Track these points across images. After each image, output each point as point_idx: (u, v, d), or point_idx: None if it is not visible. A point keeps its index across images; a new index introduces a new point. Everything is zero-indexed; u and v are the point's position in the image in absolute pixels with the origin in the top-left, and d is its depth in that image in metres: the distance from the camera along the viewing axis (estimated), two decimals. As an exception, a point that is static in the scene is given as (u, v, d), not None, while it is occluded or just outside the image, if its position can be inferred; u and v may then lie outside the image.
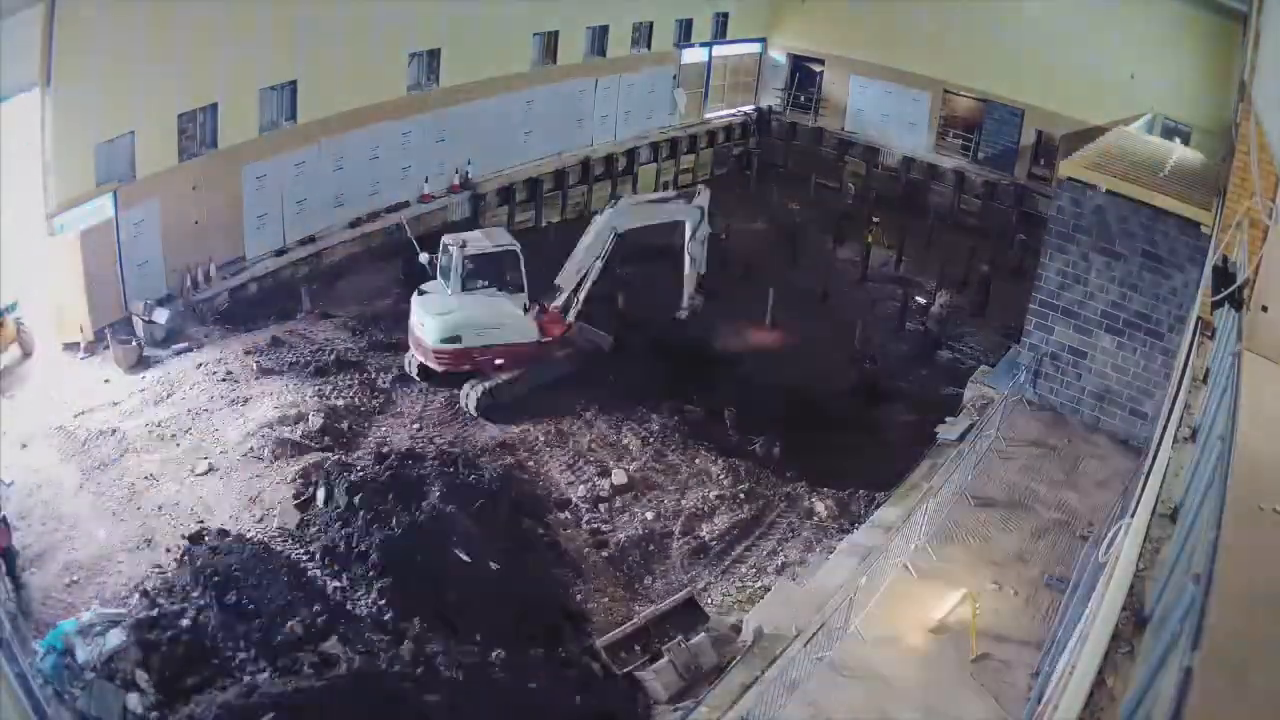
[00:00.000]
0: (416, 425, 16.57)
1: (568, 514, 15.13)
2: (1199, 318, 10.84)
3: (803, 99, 32.32)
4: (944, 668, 11.26)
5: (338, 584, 12.32)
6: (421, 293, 17.25)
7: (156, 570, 12.37)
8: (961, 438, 15.94)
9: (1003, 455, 15.38)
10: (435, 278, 17.43)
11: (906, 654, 11.45)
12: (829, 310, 22.86)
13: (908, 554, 12.88)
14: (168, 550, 12.76)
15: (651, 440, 16.89)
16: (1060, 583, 12.14)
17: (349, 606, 12.01)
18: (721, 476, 16.13)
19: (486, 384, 16.87)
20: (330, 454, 14.80)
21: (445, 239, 17.33)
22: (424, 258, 17.65)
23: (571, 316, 17.86)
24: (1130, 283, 15.56)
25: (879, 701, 10.76)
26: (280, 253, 20.78)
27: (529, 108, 26.12)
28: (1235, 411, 5.57)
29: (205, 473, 14.36)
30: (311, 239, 21.44)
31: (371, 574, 12.21)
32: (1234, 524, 4.35)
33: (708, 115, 31.99)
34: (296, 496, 13.70)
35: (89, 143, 16.38)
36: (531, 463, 16.06)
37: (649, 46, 29.46)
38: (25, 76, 14.79)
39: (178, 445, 14.91)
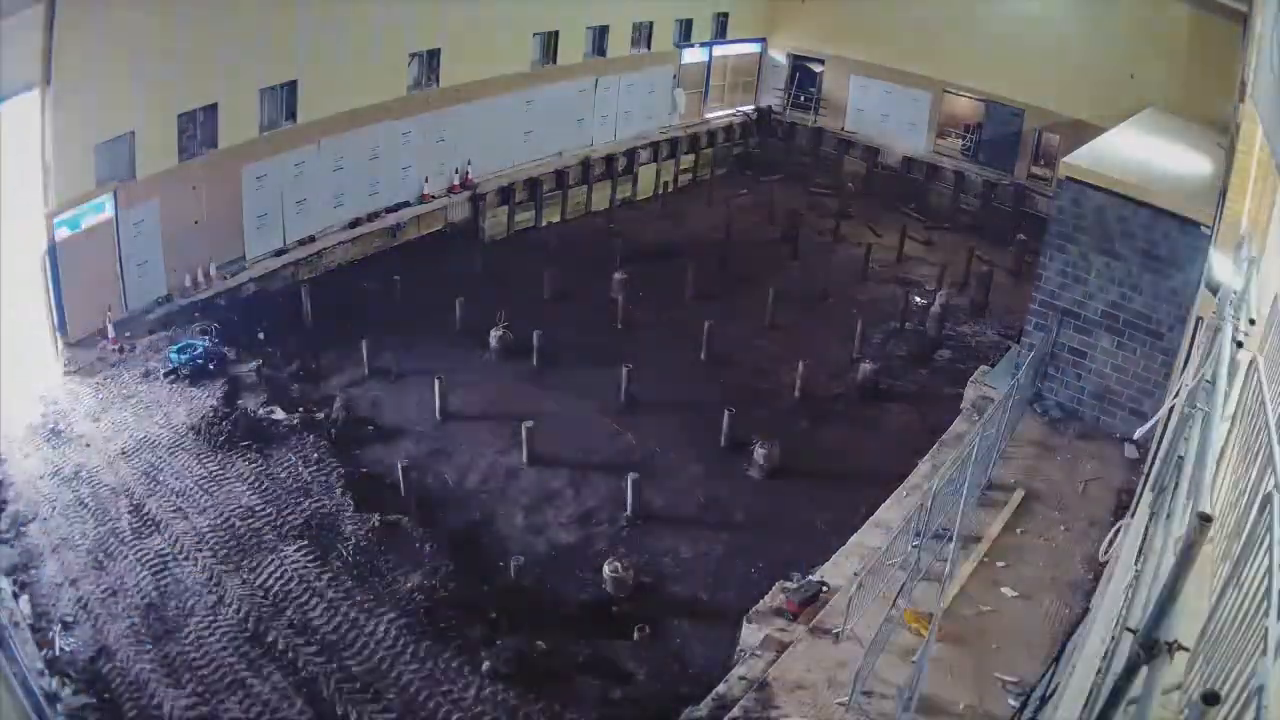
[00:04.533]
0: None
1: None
2: (1199, 318, 10.85)
3: (803, 99, 32.33)
4: (943, 668, 11.26)
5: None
6: None
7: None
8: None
9: (1003, 455, 15.37)
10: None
11: (905, 654, 11.44)
12: (829, 310, 22.86)
13: (907, 554, 12.87)
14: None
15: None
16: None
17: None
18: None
19: None
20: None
21: None
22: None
23: None
24: (1130, 283, 15.53)
25: (877, 701, 10.76)
26: (280, 253, 20.81)
27: (529, 108, 26.12)
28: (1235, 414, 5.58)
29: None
30: (311, 239, 21.47)
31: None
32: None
33: (708, 115, 31.99)
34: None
35: (89, 143, 16.39)
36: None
37: (649, 46, 29.48)
38: (25, 76, 14.80)
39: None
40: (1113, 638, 5.89)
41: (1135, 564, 6.70)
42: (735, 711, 10.63)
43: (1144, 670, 3.69)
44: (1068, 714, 6.13)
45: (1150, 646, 3.55)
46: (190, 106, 18.25)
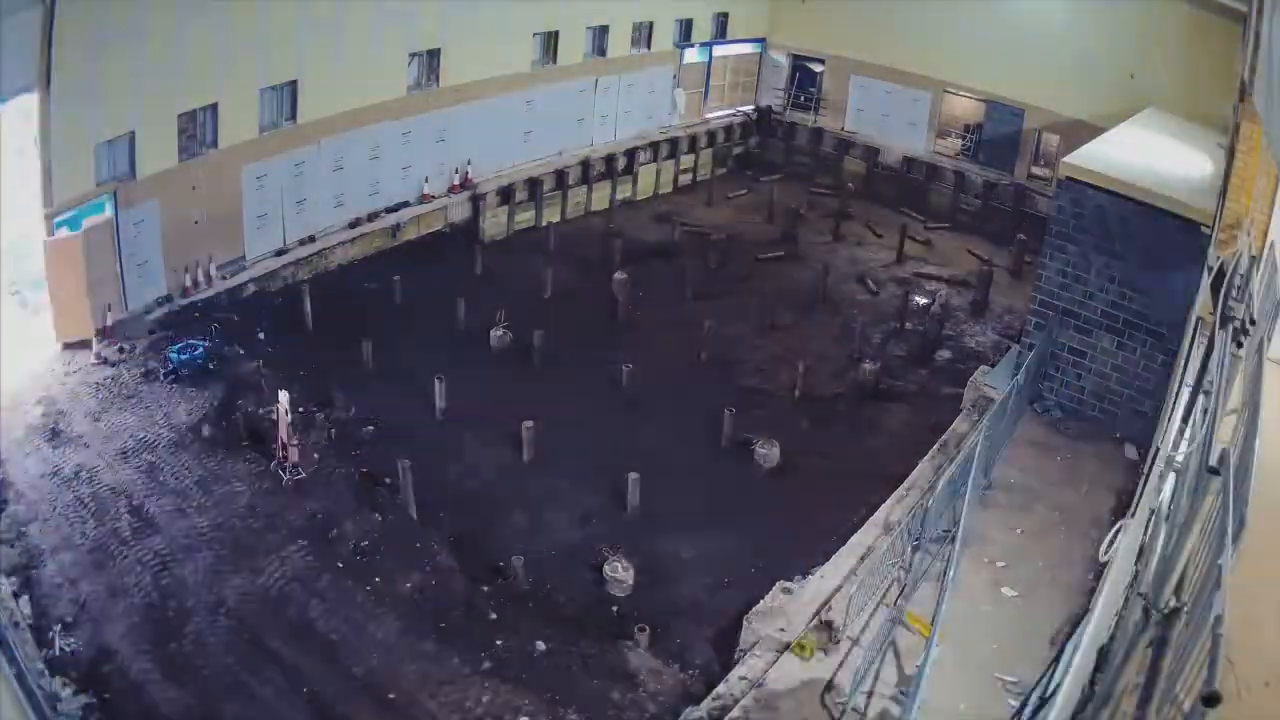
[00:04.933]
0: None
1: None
2: (1199, 318, 10.86)
3: (803, 99, 32.32)
4: (943, 668, 11.25)
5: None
6: None
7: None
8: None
9: (1003, 456, 15.37)
10: None
11: (905, 654, 11.45)
12: (829, 310, 22.87)
13: (906, 555, 12.87)
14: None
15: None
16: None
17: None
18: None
19: None
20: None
21: None
22: None
23: None
24: (1130, 283, 15.54)
25: (877, 701, 10.77)
26: (280, 253, 20.81)
27: (529, 108, 26.12)
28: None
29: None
30: (311, 239, 21.47)
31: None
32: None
33: (708, 115, 31.99)
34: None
35: (89, 143, 16.39)
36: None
37: (649, 46, 29.47)
38: (25, 76, 14.80)
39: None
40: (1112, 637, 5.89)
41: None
42: (735, 712, 10.64)
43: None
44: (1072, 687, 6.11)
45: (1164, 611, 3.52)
46: (190, 106, 18.25)
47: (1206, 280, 11.52)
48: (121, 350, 17.14)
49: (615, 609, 13.48)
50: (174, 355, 16.84)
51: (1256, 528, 4.46)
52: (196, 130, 18.60)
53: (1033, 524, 13.92)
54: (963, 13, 28.09)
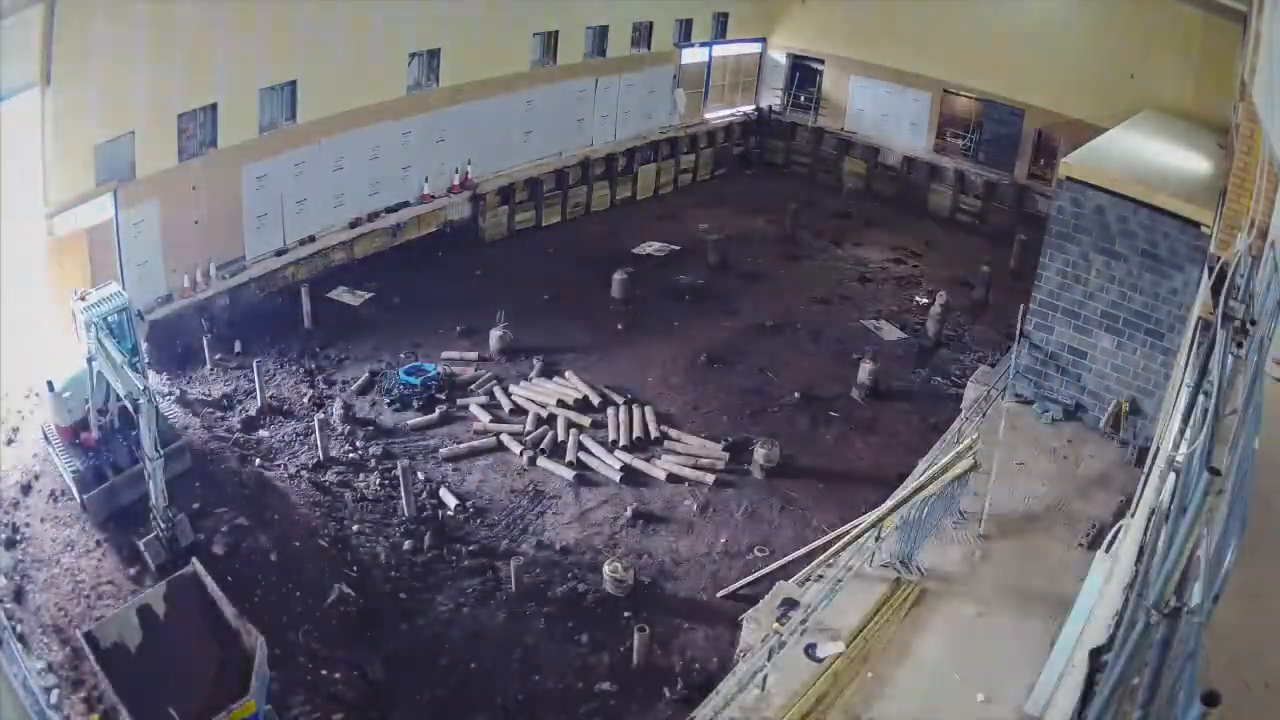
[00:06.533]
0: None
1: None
2: (1199, 318, 10.84)
3: (803, 99, 32.33)
4: (941, 666, 11.26)
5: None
6: None
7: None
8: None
9: (1001, 456, 15.36)
10: None
11: (905, 654, 11.45)
12: (828, 311, 22.86)
13: (905, 554, 12.87)
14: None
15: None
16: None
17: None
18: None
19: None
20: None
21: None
22: None
23: None
24: (1130, 283, 15.53)
25: (874, 699, 10.76)
26: (280, 252, 20.81)
27: (529, 108, 26.12)
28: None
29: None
30: (311, 239, 21.47)
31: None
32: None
33: (708, 115, 32.00)
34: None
35: (89, 143, 16.39)
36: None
37: (649, 46, 29.47)
38: (25, 76, 14.79)
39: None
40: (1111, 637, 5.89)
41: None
42: (734, 711, 10.64)
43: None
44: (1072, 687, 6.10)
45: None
46: (190, 106, 18.24)
47: (1206, 280, 11.51)
48: None
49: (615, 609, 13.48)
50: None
51: (1256, 528, 4.45)
52: (196, 130, 18.60)
53: (1031, 524, 13.91)
54: (963, 13, 28.08)
